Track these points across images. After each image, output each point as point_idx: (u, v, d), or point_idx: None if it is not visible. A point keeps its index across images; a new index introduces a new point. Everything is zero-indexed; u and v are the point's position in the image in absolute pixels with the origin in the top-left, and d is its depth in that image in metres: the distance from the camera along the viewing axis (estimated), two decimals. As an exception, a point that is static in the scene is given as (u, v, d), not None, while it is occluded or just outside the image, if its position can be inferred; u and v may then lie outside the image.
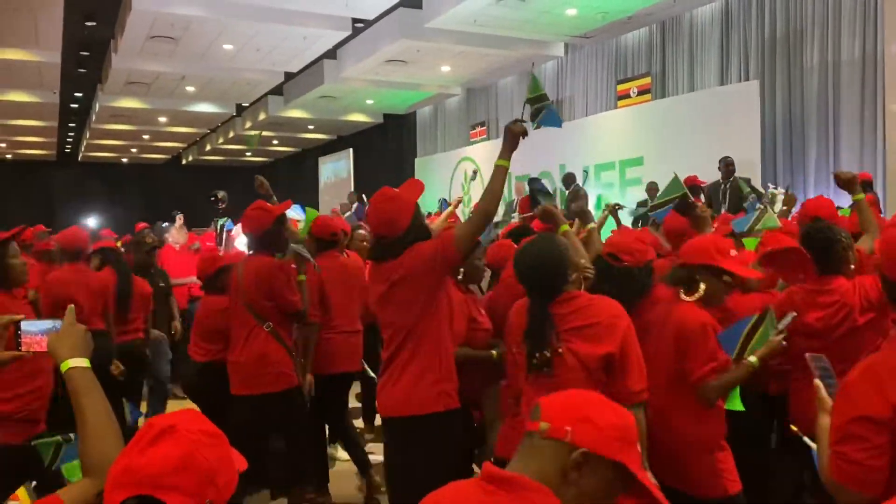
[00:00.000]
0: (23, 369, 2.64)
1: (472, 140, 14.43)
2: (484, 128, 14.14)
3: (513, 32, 10.52)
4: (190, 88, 14.53)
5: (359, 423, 5.16)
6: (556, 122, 4.00)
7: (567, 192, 9.77)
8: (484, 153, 13.84)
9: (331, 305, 3.98)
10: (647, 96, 10.46)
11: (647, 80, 10.54)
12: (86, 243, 4.50)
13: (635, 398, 2.19)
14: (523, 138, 2.72)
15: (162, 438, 1.08)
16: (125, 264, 4.81)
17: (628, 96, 10.73)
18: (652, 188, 8.08)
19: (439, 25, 9.91)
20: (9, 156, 24.51)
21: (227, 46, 11.07)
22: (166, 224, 7.48)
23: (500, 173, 2.69)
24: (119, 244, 5.59)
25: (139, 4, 9.02)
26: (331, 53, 12.22)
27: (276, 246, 3.56)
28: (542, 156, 11.45)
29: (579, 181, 10.03)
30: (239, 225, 6.02)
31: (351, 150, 19.85)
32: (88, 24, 10.81)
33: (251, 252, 3.70)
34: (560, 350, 2.21)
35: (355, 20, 10.36)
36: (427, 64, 12.14)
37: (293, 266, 3.62)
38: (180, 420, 1.12)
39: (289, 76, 13.75)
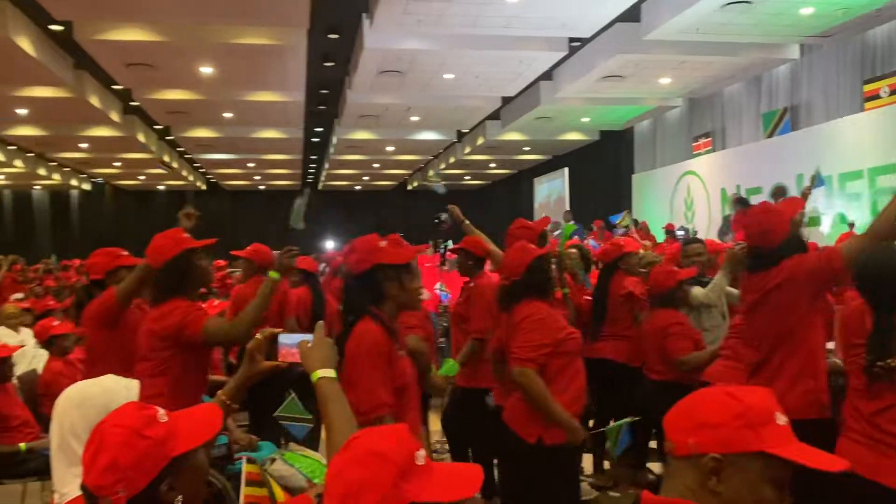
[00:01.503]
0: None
1: (695, 153, 13.78)
2: (709, 139, 13.43)
3: (740, 38, 9.91)
4: (414, 118, 15.39)
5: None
6: None
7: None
8: (708, 166, 13.15)
9: None
10: (901, 95, 9.32)
11: (901, 77, 9.40)
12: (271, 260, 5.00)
13: None
14: None
15: None
16: (319, 284, 5.42)
17: (878, 97, 9.63)
18: None
19: (658, 37, 9.60)
20: (262, 187, 27.56)
21: (448, 76, 11.59)
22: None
23: None
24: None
25: (371, 43, 9.75)
26: (546, 75, 12.33)
27: None
28: (777, 165, 10.64)
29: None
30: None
31: (566, 169, 19.82)
32: (327, 64, 11.88)
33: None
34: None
35: (572, 40, 10.38)
36: (645, 77, 11.82)
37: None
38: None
39: (506, 100, 14.08)
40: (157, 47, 9.63)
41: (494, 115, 15.76)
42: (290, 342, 1.82)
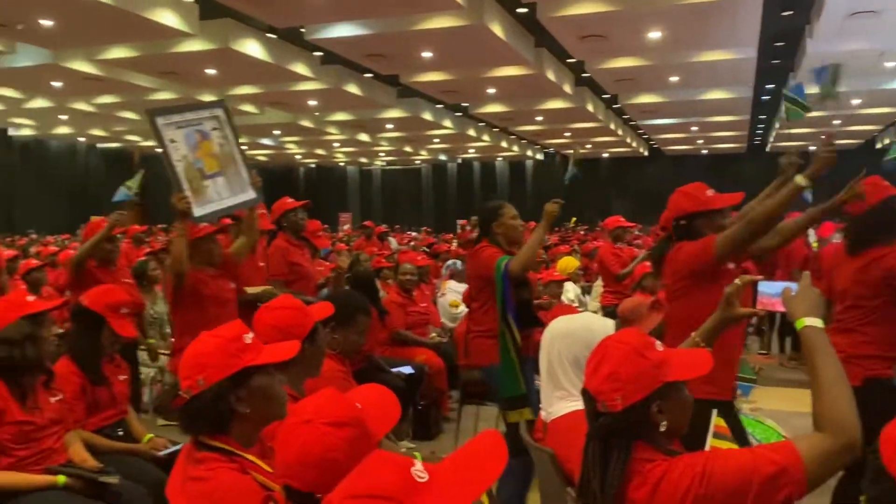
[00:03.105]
0: None
1: None
2: None
3: None
4: (890, 64, 13.30)
5: None
6: None
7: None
8: None
9: None
10: None
11: None
12: None
13: None
14: None
15: None
16: None
17: None
18: None
19: None
20: (704, 151, 26.87)
21: (941, 9, 9.71)
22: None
23: None
24: None
25: (839, -18, 8.70)
26: None
27: None
28: None
29: None
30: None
31: None
32: (785, 14, 10.95)
33: None
34: None
35: None
36: None
37: None
38: None
39: None
40: (610, 17, 9.98)
41: None
42: (771, 291, 1.77)
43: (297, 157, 28.53)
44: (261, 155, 27.45)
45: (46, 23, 9.79)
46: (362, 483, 1.04)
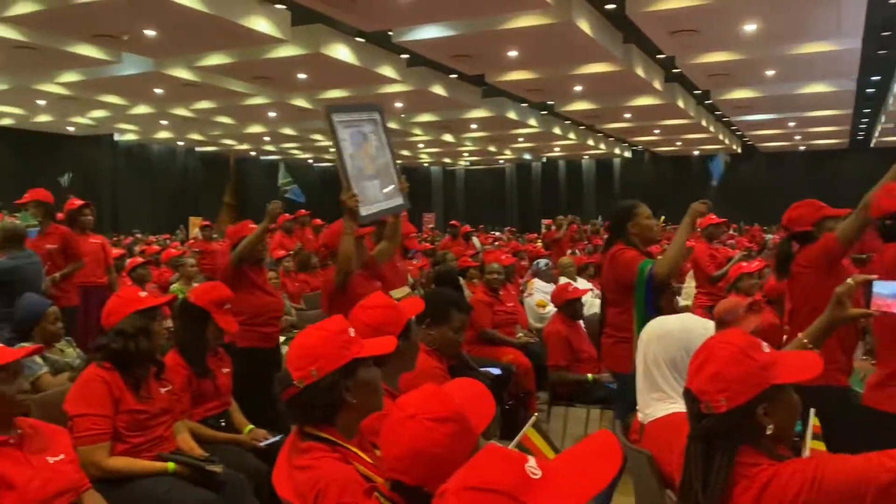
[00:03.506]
0: None
1: None
2: None
3: None
4: None
5: None
6: None
7: None
8: None
9: None
10: None
11: None
12: None
13: None
14: None
15: None
16: None
17: None
18: None
19: None
20: (802, 147, 25.72)
21: None
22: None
23: None
24: None
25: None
26: None
27: None
28: None
29: None
30: None
31: None
32: (893, 1, 10.36)
33: None
34: None
35: None
36: None
37: None
38: None
39: None
40: (702, 10, 9.69)
41: None
42: (887, 291, 1.68)
43: (383, 158, 28.94)
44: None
45: (150, 33, 10.29)
46: (477, 476, 1.05)
